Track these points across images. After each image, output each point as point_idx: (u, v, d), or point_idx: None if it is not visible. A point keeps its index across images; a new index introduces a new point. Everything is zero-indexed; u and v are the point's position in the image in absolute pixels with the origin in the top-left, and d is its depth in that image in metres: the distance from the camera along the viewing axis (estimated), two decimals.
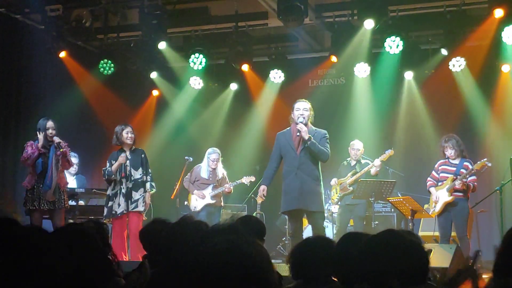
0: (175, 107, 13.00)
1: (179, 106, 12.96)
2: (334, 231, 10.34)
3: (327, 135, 7.72)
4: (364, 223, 10.15)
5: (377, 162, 9.87)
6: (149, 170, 8.88)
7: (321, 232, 7.57)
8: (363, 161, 10.21)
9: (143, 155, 8.87)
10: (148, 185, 8.77)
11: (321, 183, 7.72)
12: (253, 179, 10.75)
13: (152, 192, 8.90)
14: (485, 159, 8.77)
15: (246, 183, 10.75)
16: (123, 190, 8.69)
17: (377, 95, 11.88)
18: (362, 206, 9.98)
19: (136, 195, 8.69)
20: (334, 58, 10.82)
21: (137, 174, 8.74)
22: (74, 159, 10.24)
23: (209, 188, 10.46)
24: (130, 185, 8.70)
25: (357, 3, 9.94)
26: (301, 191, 7.54)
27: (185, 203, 10.78)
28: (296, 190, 7.57)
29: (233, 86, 12.28)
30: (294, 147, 7.60)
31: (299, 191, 7.55)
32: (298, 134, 7.48)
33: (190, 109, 12.95)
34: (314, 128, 7.68)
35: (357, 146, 10.19)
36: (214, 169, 10.49)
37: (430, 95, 11.59)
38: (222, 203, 10.69)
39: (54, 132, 8.35)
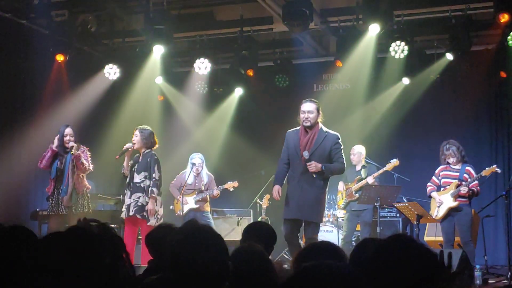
0: (180, 111, 13.02)
1: (184, 110, 12.97)
2: (341, 237, 10.31)
3: (340, 139, 7.41)
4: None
5: (370, 180, 9.84)
6: (153, 175, 8.56)
7: (308, 234, 7.29)
8: (367, 165, 10.19)
9: (149, 159, 8.59)
10: (150, 190, 8.54)
11: (325, 191, 7.43)
12: (236, 184, 10.67)
13: (157, 197, 8.59)
14: (495, 165, 8.75)
15: (229, 189, 10.69)
16: (128, 193, 8.68)
17: (382, 100, 11.87)
18: (369, 212, 9.94)
19: (133, 197, 8.56)
20: (339, 63, 10.81)
21: (137, 178, 8.57)
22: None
23: (193, 193, 10.45)
24: (131, 189, 8.64)
25: (362, 8, 9.94)
26: (301, 200, 7.25)
27: (171, 207, 10.71)
28: (296, 199, 7.30)
29: (238, 91, 12.29)
30: (299, 153, 7.30)
31: (298, 200, 7.27)
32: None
33: (195, 113, 12.96)
34: (325, 130, 7.38)
35: (358, 150, 10.15)
36: (198, 174, 10.47)
37: (435, 100, 11.58)
38: (209, 208, 10.66)
39: (72, 139, 8.40)
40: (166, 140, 12.90)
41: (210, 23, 11.37)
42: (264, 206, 11.29)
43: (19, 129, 11.26)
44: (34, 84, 11.47)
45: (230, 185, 10.63)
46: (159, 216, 8.63)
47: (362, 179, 9.96)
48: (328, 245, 3.62)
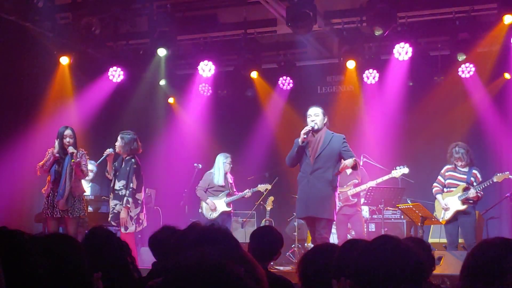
0: (183, 114, 13.03)
1: (187, 113, 12.99)
2: (337, 241, 10.19)
3: (345, 139, 7.56)
4: (365, 231, 10.11)
5: (371, 183, 9.81)
6: (131, 185, 8.49)
7: (319, 236, 7.29)
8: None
9: (128, 168, 8.57)
10: (124, 200, 8.48)
11: (335, 189, 7.51)
12: (269, 187, 10.71)
13: (132, 205, 8.51)
14: (507, 172, 8.69)
15: (262, 191, 10.75)
16: (111, 198, 8.69)
17: (385, 101, 11.85)
18: (359, 216, 9.89)
19: (111, 205, 8.62)
20: (348, 64, 10.76)
21: (117, 186, 8.58)
22: (91, 166, 10.27)
23: (223, 195, 10.43)
24: (112, 196, 8.65)
25: (366, 10, 9.93)
26: (311, 197, 7.39)
27: (199, 210, 10.70)
28: (306, 196, 7.45)
29: (242, 93, 12.31)
30: (308, 154, 7.46)
31: (308, 197, 7.41)
32: (305, 136, 7.35)
33: (198, 116, 12.97)
34: (331, 132, 7.56)
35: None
36: (226, 174, 10.50)
37: (439, 102, 11.55)
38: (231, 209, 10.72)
39: (71, 140, 8.35)
40: (170, 142, 12.94)
41: (214, 25, 11.37)
42: (268, 208, 11.29)
43: (23, 131, 11.27)
44: (38, 87, 11.48)
45: (263, 187, 10.68)
46: (142, 223, 8.66)
47: (357, 182, 9.88)
48: (331, 247, 3.60)
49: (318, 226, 7.40)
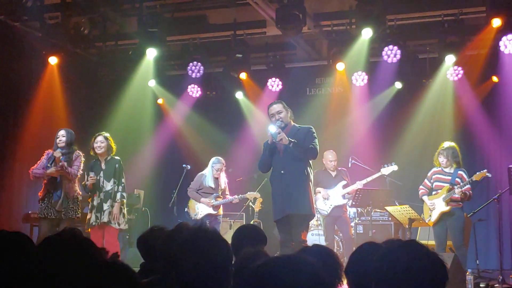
0: (172, 114, 13.01)
1: (176, 114, 12.97)
2: (325, 243, 10.19)
3: (313, 129, 7.17)
4: (353, 232, 10.13)
5: (359, 185, 9.84)
6: (122, 180, 8.55)
7: (297, 237, 6.82)
8: (339, 168, 10.19)
9: (117, 165, 8.57)
10: (118, 195, 8.50)
11: (309, 182, 7.07)
12: (258, 195, 10.68)
13: (122, 201, 8.54)
14: (485, 170, 8.73)
15: (250, 199, 10.72)
16: (95, 202, 8.55)
17: (374, 104, 11.89)
18: (344, 218, 9.91)
19: (105, 207, 8.49)
20: (337, 66, 10.77)
21: (108, 186, 8.52)
22: None
23: (211, 198, 10.39)
24: (102, 197, 8.53)
25: (355, 12, 9.96)
26: (287, 194, 6.97)
27: (186, 209, 10.69)
28: (282, 194, 7.03)
29: (231, 94, 12.30)
30: (278, 149, 7.11)
31: (284, 195, 6.99)
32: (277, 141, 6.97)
33: (188, 117, 12.95)
34: (297, 125, 7.23)
35: (331, 157, 10.08)
36: (217, 178, 10.46)
37: (428, 104, 11.60)
38: (222, 212, 10.66)
39: (63, 139, 8.42)
40: (158, 143, 12.92)
41: (203, 27, 11.38)
42: (256, 210, 11.28)
43: (11, 131, 11.23)
44: (26, 87, 11.44)
45: (252, 195, 10.65)
46: (124, 219, 8.66)
47: (346, 183, 9.93)
48: (322, 249, 3.58)
49: (296, 224, 6.94)
